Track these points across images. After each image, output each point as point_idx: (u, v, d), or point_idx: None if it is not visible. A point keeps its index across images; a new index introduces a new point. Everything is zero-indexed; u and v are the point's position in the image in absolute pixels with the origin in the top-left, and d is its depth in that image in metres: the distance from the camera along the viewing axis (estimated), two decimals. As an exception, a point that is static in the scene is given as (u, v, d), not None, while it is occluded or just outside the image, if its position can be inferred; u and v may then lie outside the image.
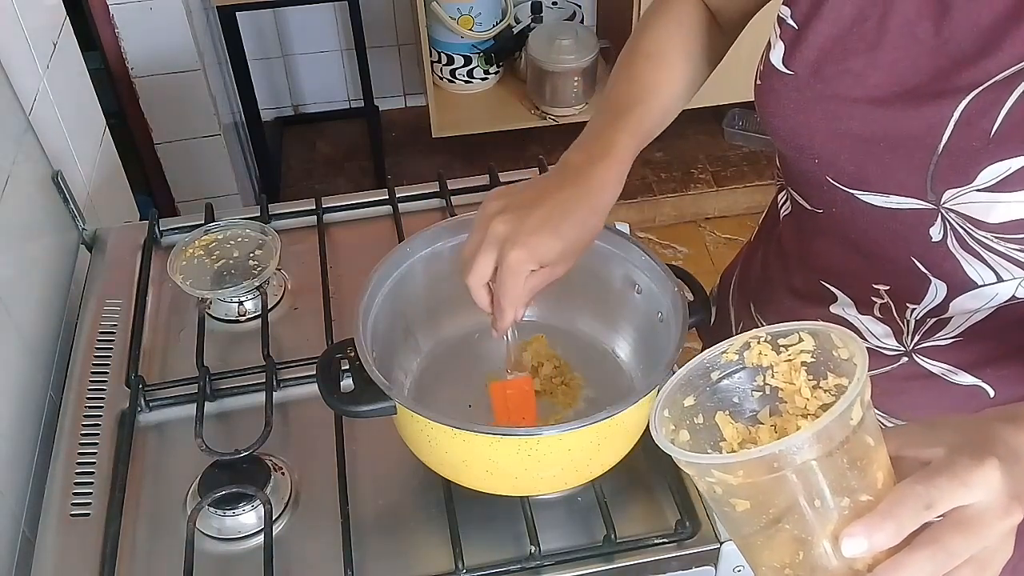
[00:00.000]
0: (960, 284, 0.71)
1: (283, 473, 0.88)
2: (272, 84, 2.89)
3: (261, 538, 0.83)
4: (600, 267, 0.91)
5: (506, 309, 0.76)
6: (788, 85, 0.73)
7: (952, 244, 0.68)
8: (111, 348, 1.02)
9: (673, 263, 0.87)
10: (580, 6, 2.83)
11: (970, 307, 0.73)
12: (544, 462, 0.77)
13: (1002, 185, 0.62)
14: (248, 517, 0.85)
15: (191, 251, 1.07)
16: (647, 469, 0.88)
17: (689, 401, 0.58)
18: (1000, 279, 0.69)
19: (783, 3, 0.74)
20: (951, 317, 0.75)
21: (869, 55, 0.69)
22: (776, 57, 0.74)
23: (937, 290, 0.73)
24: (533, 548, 0.80)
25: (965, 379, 0.78)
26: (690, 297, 0.84)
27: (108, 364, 1.00)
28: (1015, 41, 0.62)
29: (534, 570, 0.80)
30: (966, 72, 0.64)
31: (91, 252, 1.17)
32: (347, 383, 0.81)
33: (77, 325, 1.06)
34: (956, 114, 0.64)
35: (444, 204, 1.19)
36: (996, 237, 0.65)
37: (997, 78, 0.63)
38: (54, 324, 1.08)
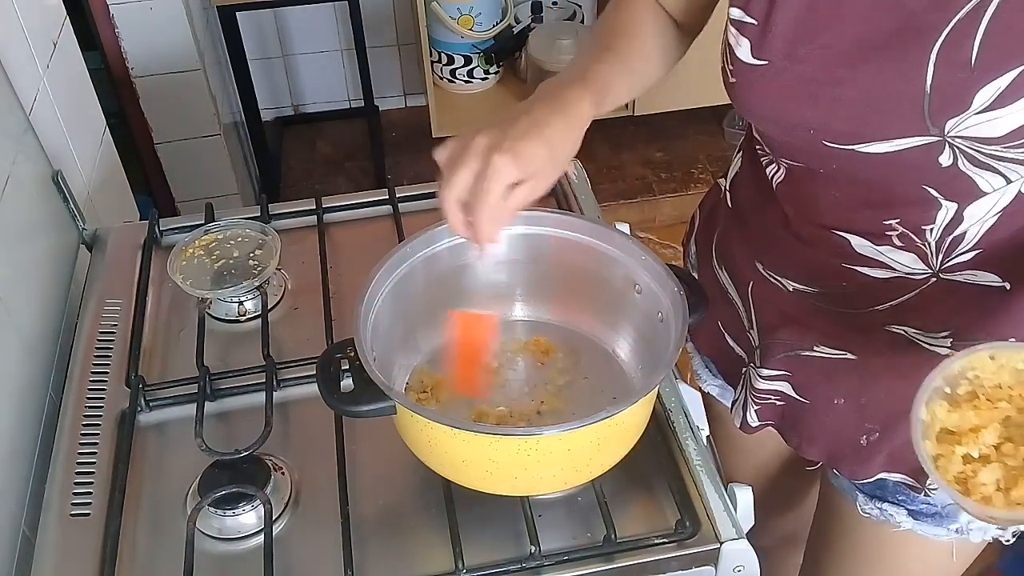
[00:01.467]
0: (971, 197, 0.74)
1: (283, 473, 0.88)
2: (272, 84, 2.89)
3: (261, 538, 0.83)
4: (600, 267, 0.91)
5: (486, 221, 0.74)
6: (765, 74, 0.76)
7: (963, 165, 0.71)
8: (111, 348, 1.02)
9: (673, 263, 0.87)
10: (580, 6, 2.83)
11: (981, 213, 0.76)
12: (544, 462, 0.77)
13: (998, 102, 0.66)
14: (248, 517, 0.85)
15: (191, 251, 1.07)
16: (647, 469, 0.87)
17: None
18: (1009, 181, 0.72)
19: (732, 5, 0.77)
20: (966, 231, 0.77)
21: (835, 26, 0.72)
22: (744, 53, 0.76)
23: (948, 209, 0.76)
24: (533, 548, 0.80)
25: (989, 278, 0.80)
26: (690, 297, 0.84)
27: (108, 364, 1.00)
28: None
29: (534, 570, 0.80)
30: (929, 17, 0.67)
31: (91, 252, 1.17)
32: (347, 383, 0.81)
33: (77, 325, 1.06)
34: (933, 55, 0.67)
35: (444, 204, 1.18)
36: (1005, 147, 0.68)
37: (960, 14, 0.66)
38: (54, 324, 1.08)
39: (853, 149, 0.74)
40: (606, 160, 2.76)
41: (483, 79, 2.78)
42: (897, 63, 0.69)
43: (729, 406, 1.08)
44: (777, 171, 0.89)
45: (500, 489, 0.81)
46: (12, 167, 1.04)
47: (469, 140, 0.75)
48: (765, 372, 0.95)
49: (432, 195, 1.21)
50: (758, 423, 0.99)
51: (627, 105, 2.67)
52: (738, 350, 1.01)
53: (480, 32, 2.63)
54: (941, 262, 0.80)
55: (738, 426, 1.00)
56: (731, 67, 0.79)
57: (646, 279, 0.88)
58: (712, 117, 2.81)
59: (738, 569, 0.82)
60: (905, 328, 0.86)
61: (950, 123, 0.68)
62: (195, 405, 0.92)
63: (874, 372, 0.89)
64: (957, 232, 0.78)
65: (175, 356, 1.02)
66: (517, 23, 2.74)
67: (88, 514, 0.86)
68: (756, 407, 0.98)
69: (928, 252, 0.80)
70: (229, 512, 0.84)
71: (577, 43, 2.62)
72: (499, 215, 0.75)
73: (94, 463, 0.91)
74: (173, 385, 0.97)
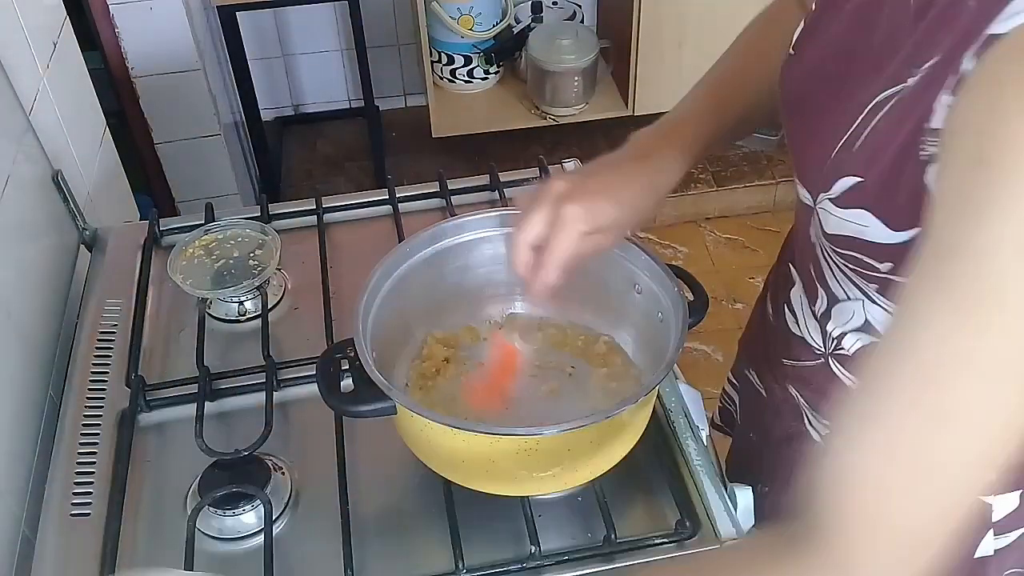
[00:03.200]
0: (830, 293, 0.74)
1: (283, 473, 0.88)
2: (272, 84, 2.89)
3: (261, 538, 0.83)
4: (601, 267, 0.91)
5: (551, 265, 0.74)
6: (785, 64, 0.74)
7: (819, 248, 0.71)
8: (111, 348, 1.02)
9: (673, 263, 0.87)
10: (580, 6, 2.83)
11: (842, 320, 0.74)
12: (544, 462, 0.77)
13: (840, 200, 0.64)
14: (248, 517, 0.85)
15: (191, 251, 1.07)
16: (647, 469, 0.88)
17: None
18: (847, 296, 0.71)
19: None
20: (842, 335, 0.76)
21: (828, 36, 0.69)
22: (794, 38, 0.74)
23: (822, 296, 0.75)
24: (533, 548, 0.80)
25: None
26: (690, 297, 0.84)
27: (108, 364, 1.00)
28: (897, 62, 0.59)
29: (534, 570, 0.80)
30: (871, 80, 0.62)
31: (91, 252, 1.17)
32: (347, 383, 0.81)
33: (77, 325, 1.06)
34: (855, 124, 0.63)
35: (444, 204, 1.19)
36: (831, 247, 0.68)
37: (882, 95, 0.60)
38: (54, 324, 1.08)
39: (796, 183, 0.72)
40: (606, 160, 2.76)
41: (483, 79, 2.77)
42: (842, 109, 0.65)
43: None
44: None
45: (500, 489, 0.81)
46: (12, 167, 1.04)
47: (548, 184, 0.75)
48: (729, 375, 1.00)
49: (431, 195, 1.21)
50: (719, 422, 1.01)
51: (627, 104, 2.67)
52: None
53: (480, 32, 2.63)
54: (829, 349, 0.79)
55: (708, 417, 1.01)
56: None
57: (646, 279, 0.88)
58: (712, 117, 2.81)
59: (738, 569, 0.82)
60: (798, 393, 0.85)
61: (820, 196, 0.66)
62: (195, 405, 0.92)
63: (768, 424, 0.90)
64: (833, 329, 0.76)
65: (175, 356, 1.02)
66: (517, 23, 2.74)
67: (88, 514, 0.86)
68: (719, 405, 1.01)
69: (820, 331, 0.79)
70: (229, 512, 0.84)
71: (577, 43, 2.62)
72: (564, 260, 0.74)
73: (94, 463, 0.91)
74: (173, 385, 0.97)
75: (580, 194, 0.74)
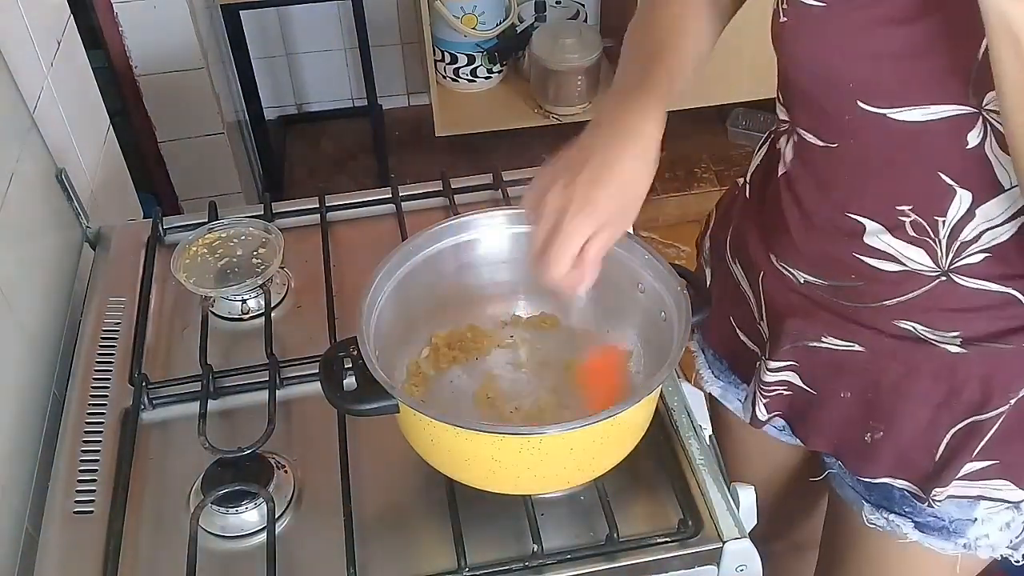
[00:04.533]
0: (987, 189, 0.72)
1: (286, 471, 0.89)
2: (276, 82, 2.89)
3: (264, 536, 0.83)
4: (604, 266, 0.91)
5: (561, 283, 0.75)
6: (820, 17, 0.72)
7: (989, 147, 0.68)
8: (115, 346, 1.02)
9: (676, 262, 0.87)
10: (584, 5, 2.83)
11: (994, 213, 0.73)
12: (546, 461, 0.77)
13: None
14: (251, 515, 0.85)
15: (194, 249, 1.07)
16: (650, 468, 0.88)
17: None
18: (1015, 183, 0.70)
19: None
20: (979, 235, 0.75)
21: None
22: None
23: (962, 200, 0.73)
24: (536, 547, 0.80)
25: (996, 287, 0.79)
26: (693, 296, 0.84)
27: (112, 362, 1.00)
28: None
29: (536, 569, 0.80)
30: None
31: (95, 250, 1.17)
32: (350, 381, 0.81)
33: (81, 323, 1.06)
34: None
35: (447, 203, 1.19)
36: None
37: None
38: (58, 322, 1.08)
39: (885, 114, 0.71)
40: (609, 159, 2.76)
41: (486, 78, 2.77)
42: (957, 22, 0.65)
43: (731, 407, 1.08)
44: (792, 154, 0.87)
45: (503, 488, 0.81)
46: (16, 165, 1.04)
47: (544, 192, 0.75)
48: (772, 364, 0.94)
49: (434, 194, 1.21)
50: (767, 415, 0.98)
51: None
52: (750, 345, 1.00)
53: (483, 31, 2.63)
54: (951, 261, 0.79)
55: (748, 421, 1.00)
56: (784, 6, 0.75)
57: (649, 278, 0.88)
58: (715, 117, 2.81)
59: (740, 568, 0.82)
60: (914, 325, 0.84)
61: (989, 95, 0.65)
62: (198, 403, 0.92)
63: (881, 367, 0.88)
64: (969, 232, 0.76)
65: (178, 354, 1.02)
66: (520, 22, 2.74)
67: (91, 511, 0.86)
68: (765, 400, 0.97)
69: (938, 249, 0.78)
70: (232, 510, 0.84)
71: (580, 42, 2.62)
72: (578, 276, 0.75)
73: (97, 461, 0.91)
74: (176, 383, 0.97)
75: (576, 195, 0.73)
